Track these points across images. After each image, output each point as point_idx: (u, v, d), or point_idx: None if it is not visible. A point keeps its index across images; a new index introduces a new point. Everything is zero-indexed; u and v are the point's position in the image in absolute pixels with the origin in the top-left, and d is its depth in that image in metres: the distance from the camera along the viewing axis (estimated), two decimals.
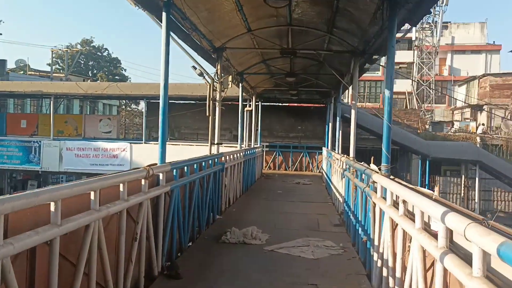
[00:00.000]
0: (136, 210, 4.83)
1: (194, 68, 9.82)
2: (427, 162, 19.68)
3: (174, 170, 6.27)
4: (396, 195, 4.69)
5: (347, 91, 18.16)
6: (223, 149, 11.92)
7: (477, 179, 19.77)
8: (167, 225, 5.91)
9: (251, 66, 13.65)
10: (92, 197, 3.74)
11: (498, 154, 20.33)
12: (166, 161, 6.57)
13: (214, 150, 9.94)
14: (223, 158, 10.00)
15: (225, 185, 10.26)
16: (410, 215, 4.06)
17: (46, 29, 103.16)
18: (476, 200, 19.63)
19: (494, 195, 20.73)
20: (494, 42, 50.78)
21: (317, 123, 22.18)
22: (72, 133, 23.71)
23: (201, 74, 9.88)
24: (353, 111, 9.56)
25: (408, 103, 47.29)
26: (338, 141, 13.39)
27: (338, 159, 10.85)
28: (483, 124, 35.01)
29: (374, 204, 5.64)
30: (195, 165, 7.49)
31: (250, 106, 19.87)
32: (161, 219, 5.66)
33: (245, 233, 7.57)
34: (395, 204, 4.69)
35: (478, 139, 20.78)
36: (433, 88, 48.25)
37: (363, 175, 6.65)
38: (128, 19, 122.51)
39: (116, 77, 60.22)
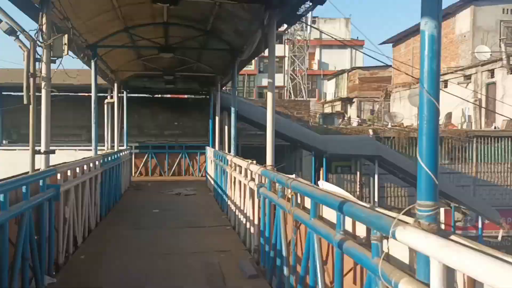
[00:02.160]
0: None
1: None
2: (324, 159, 17.44)
3: None
4: None
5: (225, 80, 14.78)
6: (65, 157, 7.76)
7: (376, 175, 18.13)
8: None
9: (108, 36, 9.52)
10: None
11: (390, 147, 19.02)
12: None
13: (42, 163, 5.80)
14: (58, 176, 5.91)
15: (64, 220, 6.18)
16: None
17: None
18: (376, 199, 18.01)
19: (387, 191, 19.43)
20: (357, 37, 52.77)
21: (198, 118, 18.48)
22: None
23: (12, 32, 5.60)
24: (269, 95, 6.21)
25: (284, 96, 46.58)
26: (235, 139, 10.03)
27: (242, 167, 7.43)
28: (358, 117, 35.48)
29: None
30: None
31: (112, 98, 15.56)
32: None
33: None
34: None
35: (370, 131, 19.21)
36: (305, 81, 48.40)
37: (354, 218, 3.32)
38: None
39: None
